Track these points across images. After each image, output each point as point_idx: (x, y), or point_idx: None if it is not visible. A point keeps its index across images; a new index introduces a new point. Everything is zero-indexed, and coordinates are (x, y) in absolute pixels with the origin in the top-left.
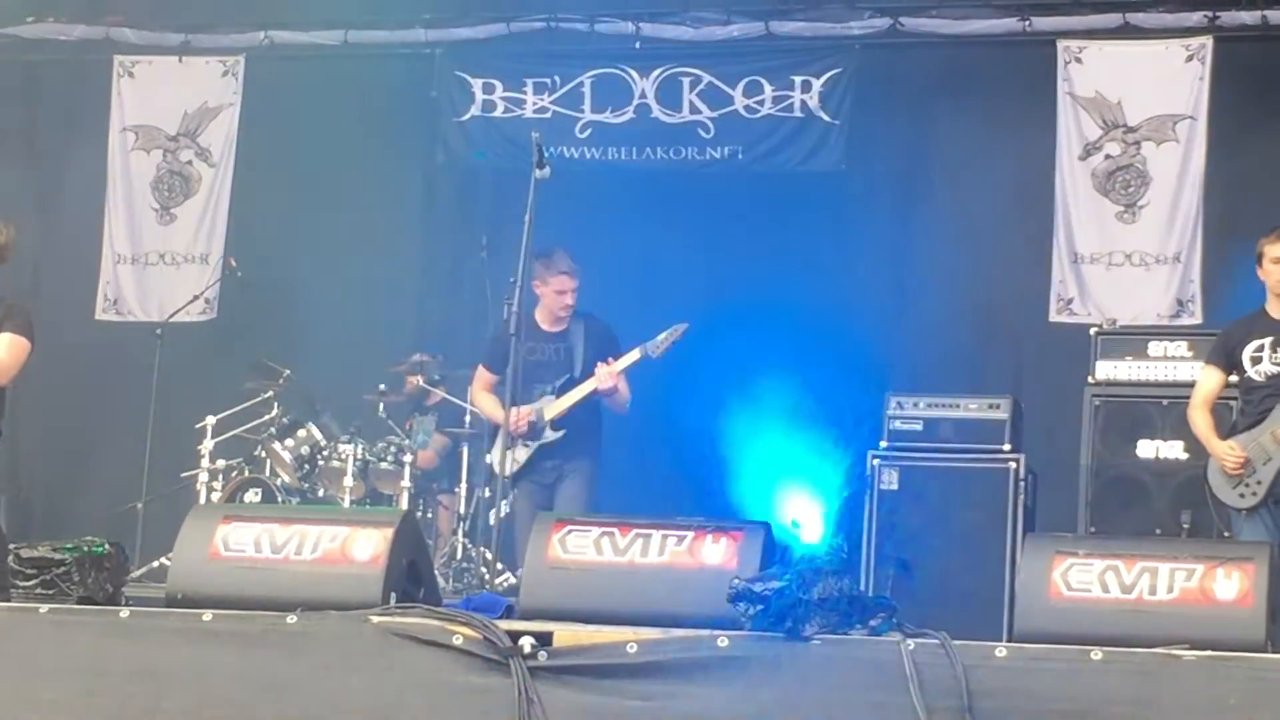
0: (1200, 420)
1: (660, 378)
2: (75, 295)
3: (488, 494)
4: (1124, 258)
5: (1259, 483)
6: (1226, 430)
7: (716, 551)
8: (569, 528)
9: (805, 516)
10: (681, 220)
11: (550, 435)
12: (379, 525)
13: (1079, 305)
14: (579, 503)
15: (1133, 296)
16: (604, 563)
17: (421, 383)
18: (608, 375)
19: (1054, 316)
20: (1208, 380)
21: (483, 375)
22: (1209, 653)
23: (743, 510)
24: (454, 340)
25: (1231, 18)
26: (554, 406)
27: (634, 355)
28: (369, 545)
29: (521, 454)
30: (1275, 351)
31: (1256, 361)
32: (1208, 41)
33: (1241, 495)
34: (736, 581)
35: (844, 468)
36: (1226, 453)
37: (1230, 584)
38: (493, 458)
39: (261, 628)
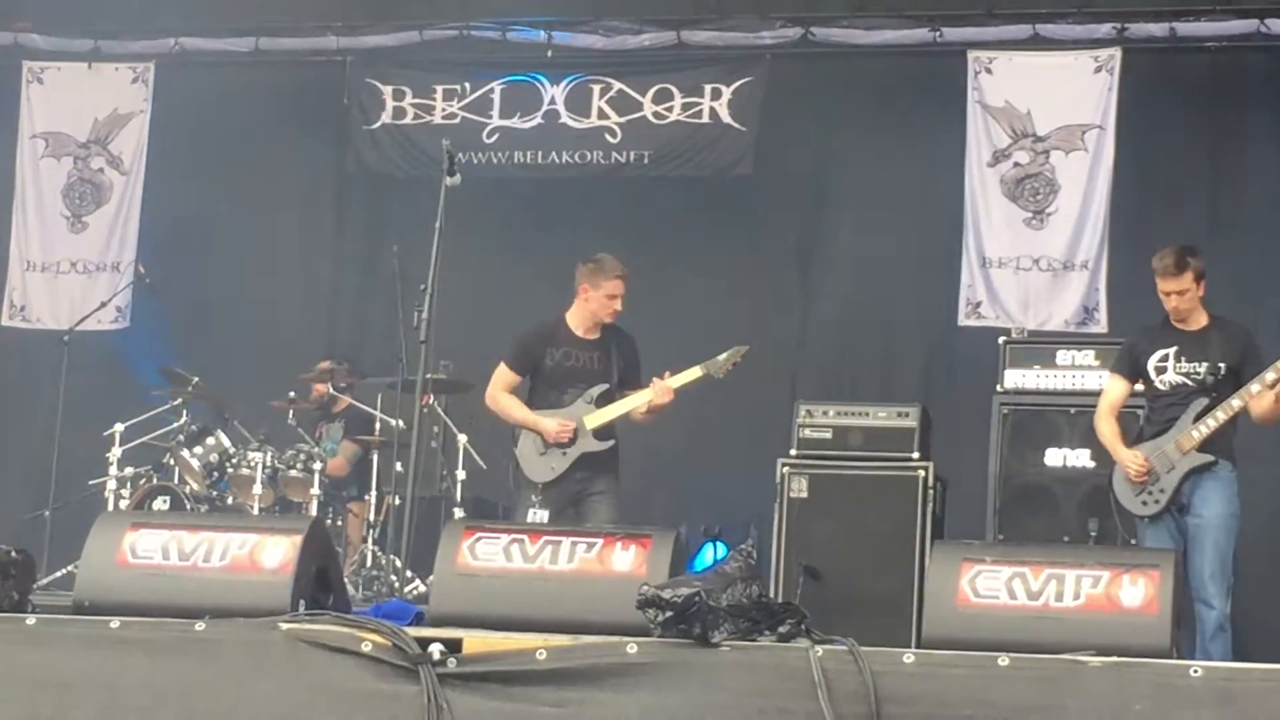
0: (1106, 428)
1: None
2: None
3: (398, 501)
4: (1031, 262)
5: (1162, 491)
6: (1133, 439)
7: (626, 558)
8: (479, 535)
9: (714, 524)
10: (589, 225)
11: (595, 445)
12: (288, 532)
13: (987, 309)
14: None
15: (1040, 302)
16: (514, 570)
17: (330, 390)
18: (665, 390)
19: (963, 320)
20: (1113, 389)
21: (504, 374)
22: (1115, 659)
23: (652, 517)
24: (366, 348)
25: (1140, 29)
26: (596, 416)
27: (695, 373)
28: (278, 552)
29: (559, 463)
30: (1180, 361)
31: (1161, 371)
32: (1116, 53)
33: (1145, 503)
34: (645, 588)
35: (753, 475)
36: (1131, 460)
37: (1136, 591)
38: (523, 461)
39: (170, 635)
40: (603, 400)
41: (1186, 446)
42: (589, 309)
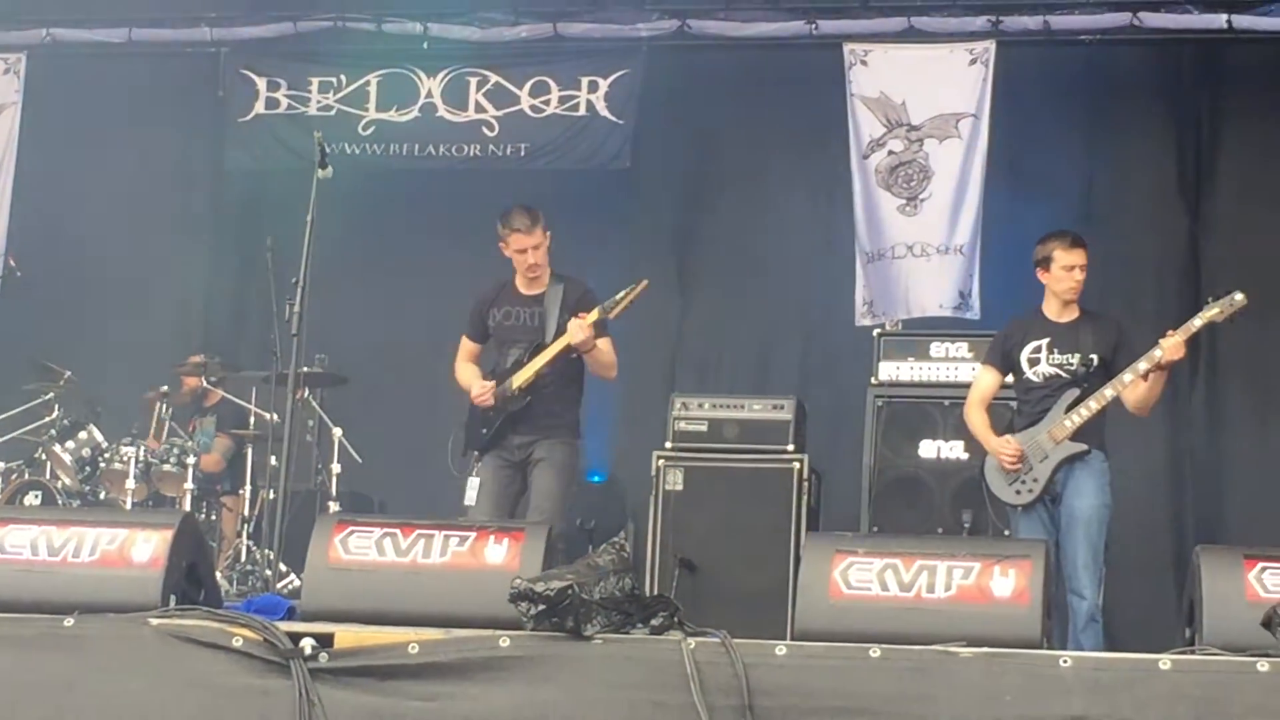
0: (977, 418)
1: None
2: None
3: (272, 495)
4: (905, 249)
5: (1035, 480)
6: (1004, 429)
7: (499, 552)
8: (351, 528)
9: (590, 517)
10: (466, 217)
11: (516, 404)
12: (158, 527)
13: (878, 306)
14: (553, 498)
15: (915, 288)
16: (386, 563)
17: (203, 384)
18: (580, 328)
19: (859, 320)
20: (984, 380)
21: (464, 345)
22: (985, 649)
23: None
24: (241, 340)
25: (1015, 22)
26: (521, 373)
27: (593, 316)
28: (148, 547)
29: (489, 424)
30: (1052, 353)
31: (1034, 363)
32: (991, 45)
33: (1018, 492)
34: (518, 581)
35: (630, 468)
36: (1003, 447)
37: (1007, 581)
38: (466, 430)
39: (38, 631)
40: (533, 355)
41: (1059, 436)
42: (514, 266)
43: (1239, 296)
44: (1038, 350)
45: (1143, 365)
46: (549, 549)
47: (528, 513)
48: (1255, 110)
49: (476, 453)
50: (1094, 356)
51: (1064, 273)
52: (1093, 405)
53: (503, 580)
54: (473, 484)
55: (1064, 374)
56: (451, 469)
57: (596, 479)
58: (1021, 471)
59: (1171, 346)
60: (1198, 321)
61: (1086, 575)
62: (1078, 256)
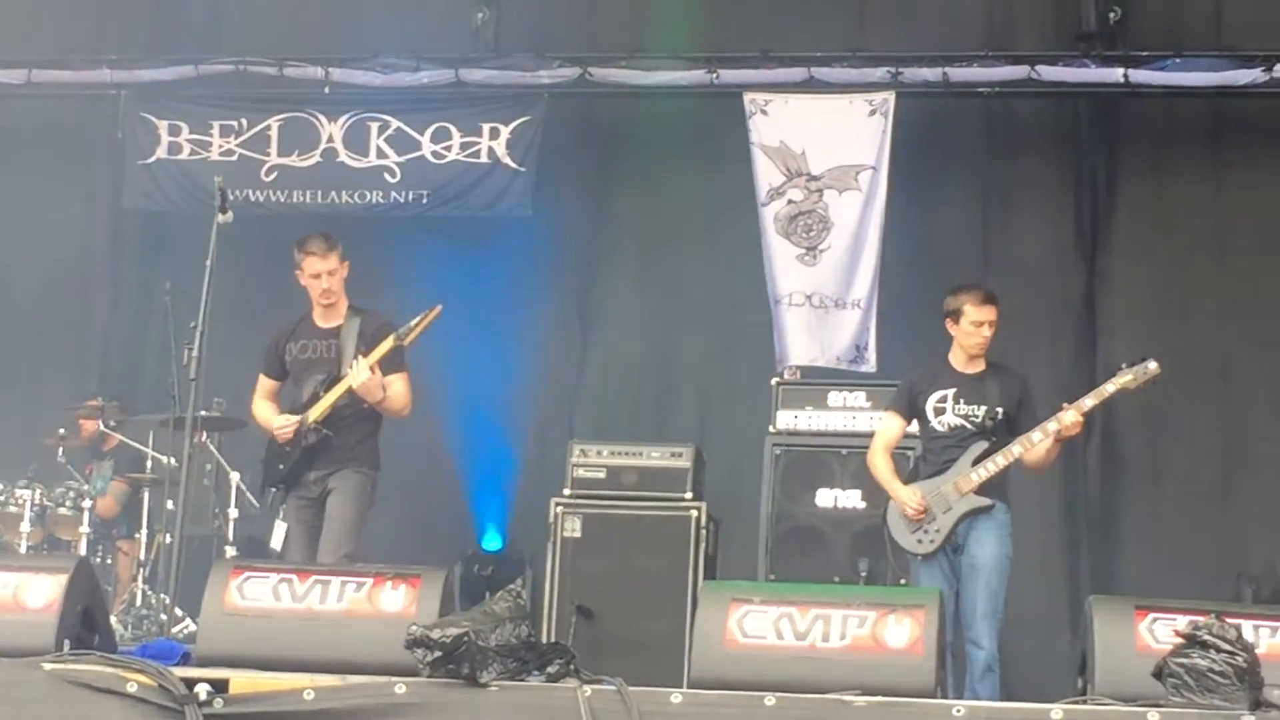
0: (881, 464)
1: None
2: None
3: (169, 540)
4: (804, 298)
5: (938, 530)
6: (907, 477)
7: (396, 598)
8: (247, 574)
9: (488, 563)
10: (366, 264)
11: (312, 439)
12: (52, 571)
13: (780, 350)
14: (342, 523)
15: (813, 338)
16: (282, 609)
17: (100, 427)
18: (361, 369)
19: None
20: (889, 427)
21: (261, 383)
22: (880, 698)
23: (427, 555)
24: (138, 383)
25: (914, 74)
26: (316, 407)
27: (386, 345)
28: (42, 591)
29: (287, 459)
30: (958, 403)
31: (940, 412)
32: (890, 96)
33: (919, 541)
34: (414, 628)
35: (529, 514)
36: (909, 498)
37: (901, 630)
38: (265, 467)
39: None
40: (328, 389)
41: (965, 489)
42: (310, 295)
43: (1153, 365)
44: (944, 400)
45: (1052, 426)
46: (445, 596)
47: (320, 541)
48: (1152, 164)
49: (275, 490)
50: (1000, 409)
51: (973, 328)
52: (1000, 461)
53: (399, 627)
54: (279, 527)
55: (969, 425)
56: (251, 505)
57: (495, 547)
58: (925, 521)
59: (1071, 424)
60: (1110, 388)
61: (985, 625)
62: (988, 313)
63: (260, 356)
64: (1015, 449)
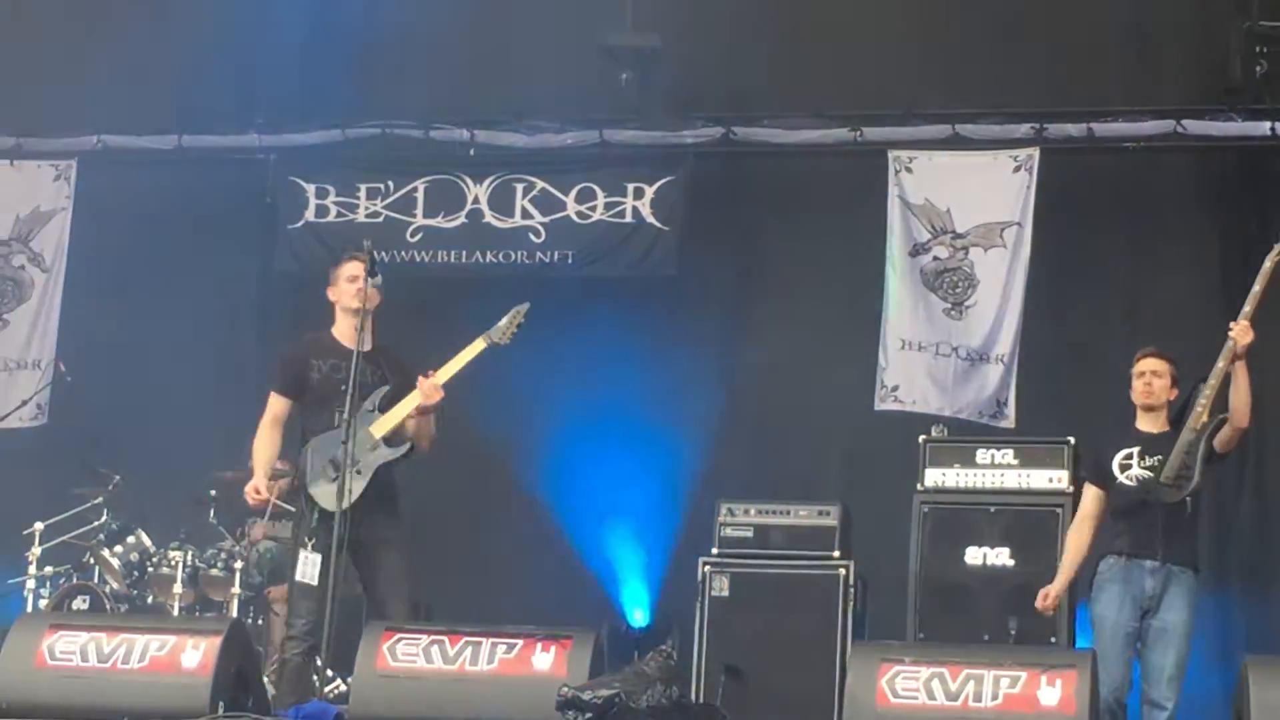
0: (1073, 541)
1: (492, 475)
2: None
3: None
4: (950, 350)
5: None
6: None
7: (546, 659)
8: (399, 635)
9: (638, 624)
10: None
11: (387, 453)
12: (207, 634)
13: (904, 393)
14: (406, 572)
15: (956, 388)
16: (433, 670)
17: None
18: (432, 388)
19: (878, 405)
20: (1086, 498)
21: (275, 403)
22: None
23: (575, 616)
24: (290, 446)
25: (1058, 129)
26: (384, 422)
27: (478, 346)
28: (196, 653)
29: (356, 485)
30: (1142, 460)
31: (1125, 469)
32: (1034, 152)
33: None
34: (565, 689)
35: (677, 574)
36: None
37: (1053, 691)
38: (314, 491)
39: None
40: (386, 405)
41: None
42: (340, 305)
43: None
44: (1129, 457)
45: (1220, 363)
46: (596, 656)
47: (381, 598)
48: None
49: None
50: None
51: (1134, 378)
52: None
53: (550, 688)
54: (311, 559)
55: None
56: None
57: (644, 607)
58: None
59: (1240, 329)
60: (1257, 287)
61: (1171, 687)
62: (1144, 364)
63: (272, 375)
64: (1206, 391)
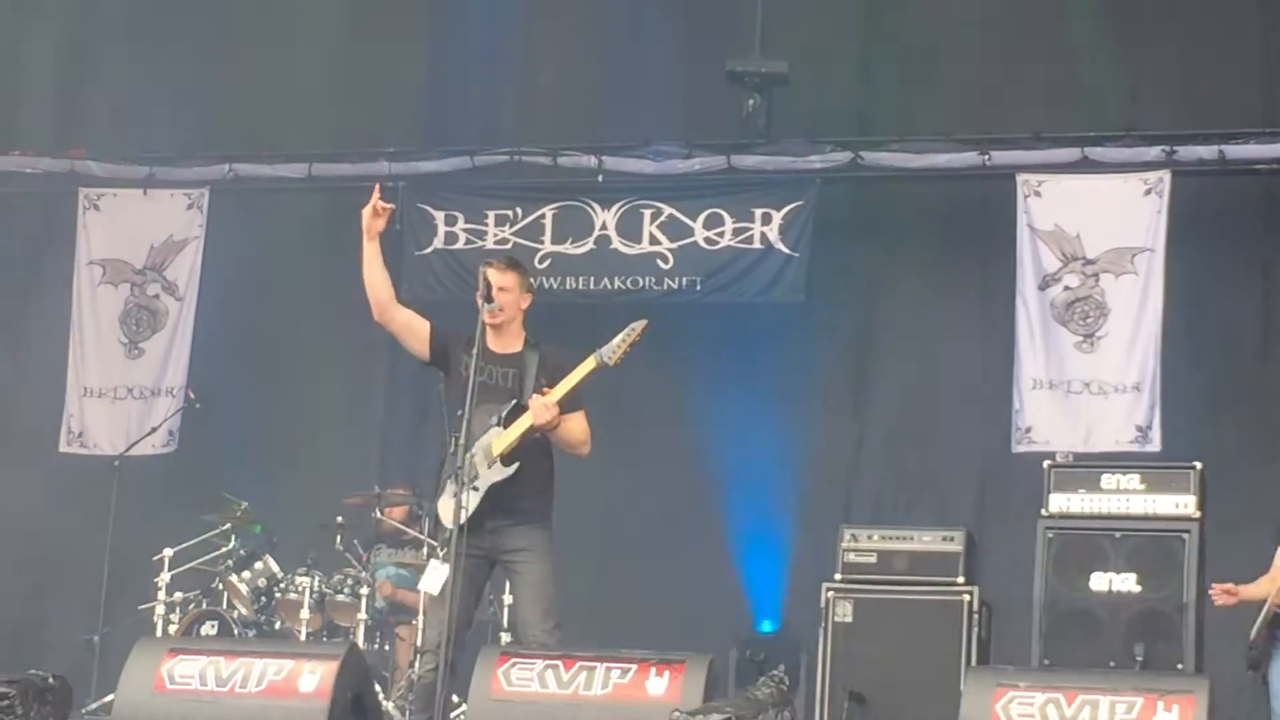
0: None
1: (621, 501)
2: (39, 427)
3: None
4: (1083, 386)
5: None
6: None
7: (660, 684)
8: (513, 660)
9: (760, 649)
10: (642, 351)
11: (500, 472)
12: (324, 658)
13: (1038, 433)
14: (546, 588)
15: (1092, 425)
16: (548, 695)
17: (407, 513)
18: (543, 408)
19: (1015, 447)
20: None
21: (417, 317)
22: None
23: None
24: (419, 471)
25: (1189, 152)
26: (503, 439)
27: (587, 366)
28: (314, 678)
29: (471, 500)
30: None
31: None
32: (1165, 175)
33: None
34: (677, 714)
35: (800, 599)
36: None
37: (1170, 716)
38: (440, 507)
39: None
40: (509, 419)
41: None
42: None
43: None
44: None
45: None
46: (710, 681)
47: (522, 610)
48: None
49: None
50: None
51: None
52: None
53: (663, 712)
54: (439, 570)
55: None
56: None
57: (770, 631)
58: None
59: None
60: None
61: None
62: None
63: (425, 317)
64: None
